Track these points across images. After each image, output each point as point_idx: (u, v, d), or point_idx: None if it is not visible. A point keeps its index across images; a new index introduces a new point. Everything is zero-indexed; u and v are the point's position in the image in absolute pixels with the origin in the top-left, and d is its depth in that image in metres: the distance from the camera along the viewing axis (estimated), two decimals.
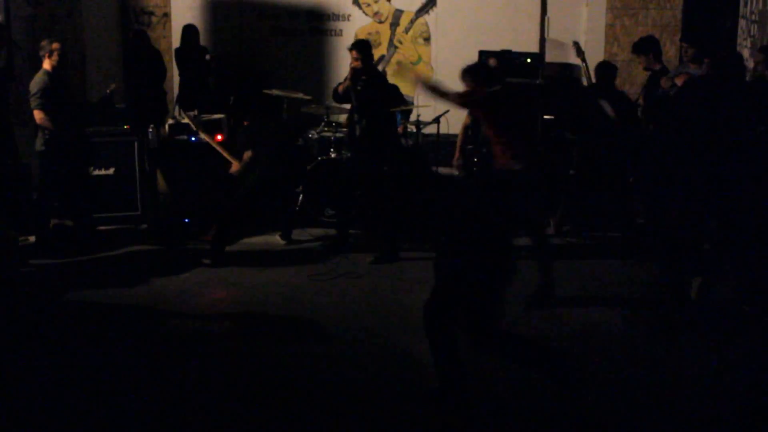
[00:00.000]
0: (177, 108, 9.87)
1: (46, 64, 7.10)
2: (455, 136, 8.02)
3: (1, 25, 7.89)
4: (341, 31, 10.90)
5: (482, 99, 6.00)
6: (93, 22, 9.85)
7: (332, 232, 7.67)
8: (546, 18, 10.33)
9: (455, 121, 7.91)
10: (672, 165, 5.92)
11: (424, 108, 8.88)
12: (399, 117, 7.90)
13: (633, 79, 9.73)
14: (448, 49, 10.61)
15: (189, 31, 9.87)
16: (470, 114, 7.63)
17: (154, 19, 10.75)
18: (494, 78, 6.19)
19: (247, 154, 7.17)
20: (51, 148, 7.15)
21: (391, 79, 7.80)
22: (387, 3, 10.84)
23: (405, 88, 8.38)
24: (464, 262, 4.26)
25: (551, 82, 8.89)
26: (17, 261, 6.63)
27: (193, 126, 7.54)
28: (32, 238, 7.36)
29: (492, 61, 7.51)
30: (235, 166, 7.23)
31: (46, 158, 7.23)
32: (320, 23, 10.89)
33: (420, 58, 10.91)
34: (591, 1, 10.04)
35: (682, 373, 4.92)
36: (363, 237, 7.63)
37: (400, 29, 10.88)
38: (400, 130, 7.94)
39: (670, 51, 9.59)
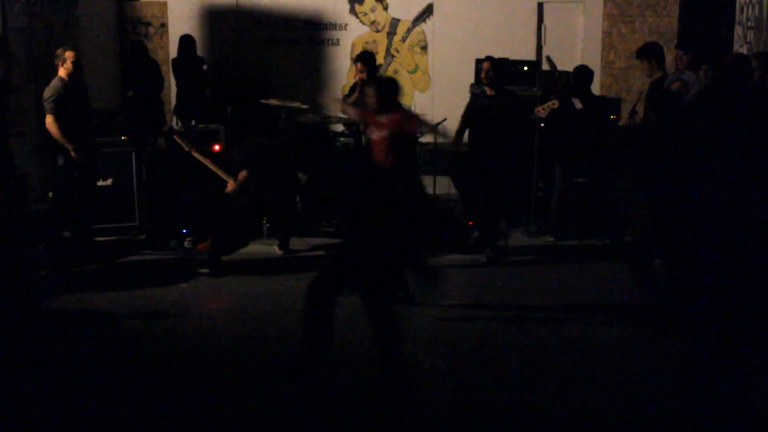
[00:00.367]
0: (174, 118, 9.90)
1: (61, 72, 7.19)
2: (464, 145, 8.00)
3: None
4: (338, 40, 10.95)
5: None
6: (90, 32, 9.87)
7: (330, 241, 7.69)
8: (543, 26, 10.38)
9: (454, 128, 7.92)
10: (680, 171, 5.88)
11: (422, 116, 8.90)
12: None
13: (630, 86, 9.78)
14: (445, 57, 10.68)
15: (186, 41, 9.88)
16: (464, 118, 7.65)
17: (151, 29, 10.80)
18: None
19: (242, 174, 7.06)
20: (69, 160, 7.20)
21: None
22: (384, 12, 10.89)
23: (402, 97, 8.40)
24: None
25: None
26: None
27: (184, 146, 7.46)
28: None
29: (485, 65, 7.53)
30: (231, 186, 7.16)
31: (66, 170, 7.29)
32: (317, 33, 10.93)
33: (417, 67, 10.95)
34: (587, 9, 10.10)
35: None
36: None
37: (397, 38, 10.92)
38: None
39: (667, 58, 9.61)
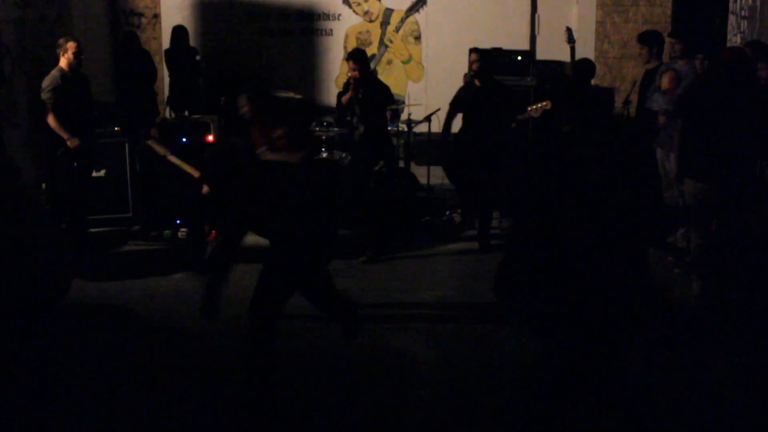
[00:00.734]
0: (167, 109, 9.91)
1: (62, 62, 7.23)
2: (452, 135, 8.02)
3: None
4: (332, 30, 10.96)
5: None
6: (83, 24, 9.86)
7: None
8: (536, 15, 10.41)
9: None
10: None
11: (415, 107, 8.95)
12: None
13: (624, 76, 9.82)
14: (439, 47, 10.68)
15: (179, 32, 9.88)
16: (452, 106, 7.68)
17: (144, 20, 10.80)
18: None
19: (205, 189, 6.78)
20: (67, 150, 7.21)
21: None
22: (377, 2, 10.89)
23: (395, 87, 8.44)
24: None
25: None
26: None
27: (159, 151, 7.38)
28: None
29: (472, 57, 7.55)
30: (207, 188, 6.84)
31: (64, 160, 7.31)
32: (310, 23, 10.94)
33: (411, 57, 10.96)
34: None
35: (684, 376, 4.92)
36: (354, 236, 7.67)
37: (390, 28, 10.93)
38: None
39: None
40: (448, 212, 8.21)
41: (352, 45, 10.89)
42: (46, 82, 7.16)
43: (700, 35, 8.84)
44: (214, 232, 7.25)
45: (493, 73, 7.66)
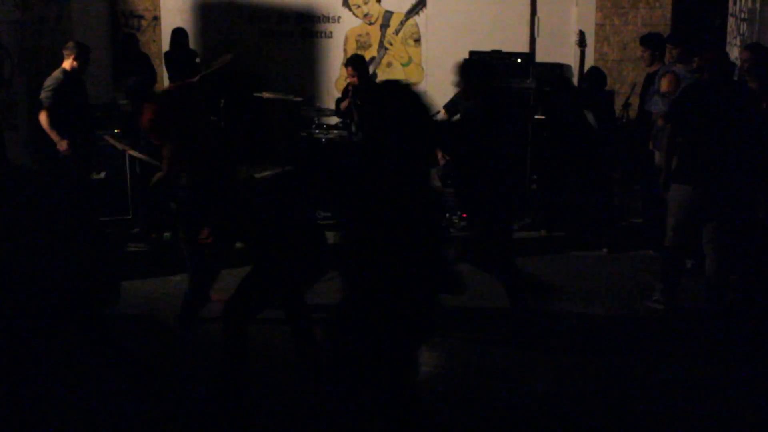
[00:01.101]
0: None
1: (66, 64, 7.29)
2: None
3: None
4: (331, 33, 10.97)
5: None
6: (82, 26, 9.91)
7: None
8: (536, 18, 10.44)
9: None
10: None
11: None
12: None
13: (623, 79, 9.86)
14: (439, 50, 10.64)
15: (179, 34, 9.90)
16: (445, 109, 7.77)
17: (143, 22, 10.83)
18: None
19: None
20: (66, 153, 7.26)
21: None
22: (377, 4, 10.93)
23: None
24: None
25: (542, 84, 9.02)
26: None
27: (117, 146, 7.39)
28: None
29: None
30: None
31: (66, 162, 7.34)
32: (310, 25, 10.95)
33: (411, 60, 10.99)
34: (581, 1, 10.15)
35: (680, 371, 5.01)
36: None
37: (390, 30, 10.96)
38: None
39: None
40: (447, 214, 8.26)
41: (352, 47, 10.92)
42: (49, 82, 7.24)
43: (699, 38, 8.89)
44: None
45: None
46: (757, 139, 5.84)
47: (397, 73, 10.95)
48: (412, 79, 11.03)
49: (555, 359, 5.15)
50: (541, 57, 10.16)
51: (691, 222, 5.77)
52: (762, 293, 6.08)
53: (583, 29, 8.62)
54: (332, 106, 10.01)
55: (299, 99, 9.13)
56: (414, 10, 10.84)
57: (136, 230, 8.03)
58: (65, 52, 7.39)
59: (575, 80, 8.78)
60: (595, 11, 10.10)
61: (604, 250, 7.61)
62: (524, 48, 10.21)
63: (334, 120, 9.15)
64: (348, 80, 7.50)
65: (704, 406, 4.58)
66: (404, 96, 3.63)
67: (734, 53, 8.62)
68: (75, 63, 7.32)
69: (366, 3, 10.91)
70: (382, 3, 10.88)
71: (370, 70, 10.63)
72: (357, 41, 11.01)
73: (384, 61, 10.96)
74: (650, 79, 7.78)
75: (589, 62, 8.38)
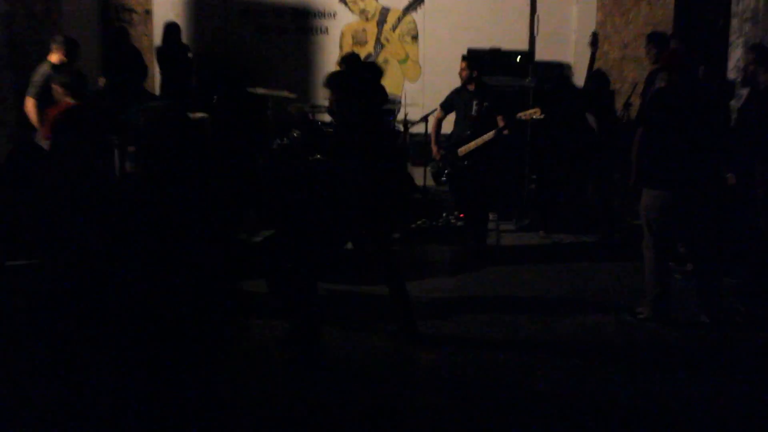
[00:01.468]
0: None
1: (53, 57, 7.25)
2: (445, 136, 8.06)
3: None
4: (327, 29, 10.92)
5: None
6: (72, 19, 9.82)
7: None
8: (536, 16, 10.40)
9: (445, 122, 7.96)
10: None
11: (412, 107, 8.93)
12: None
13: (624, 78, 9.82)
14: (436, 47, 10.63)
15: (171, 28, 9.81)
16: (441, 107, 7.77)
17: (135, 16, 10.74)
18: None
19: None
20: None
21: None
22: (374, 0, 10.87)
23: (392, 87, 8.43)
24: None
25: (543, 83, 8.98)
26: None
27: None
28: None
29: (462, 65, 7.60)
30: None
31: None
32: (306, 21, 10.89)
33: (407, 56, 10.93)
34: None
35: (680, 379, 4.94)
36: None
37: (387, 27, 10.90)
38: None
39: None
40: (444, 214, 8.20)
41: (348, 44, 10.87)
42: (35, 77, 7.20)
43: (702, 38, 8.86)
44: None
45: (483, 75, 7.70)
46: (725, 143, 5.88)
47: (393, 70, 10.89)
48: (409, 77, 10.98)
49: (552, 363, 5.12)
50: (540, 55, 10.13)
51: (666, 226, 5.71)
52: (763, 301, 6.04)
53: (583, 28, 8.60)
54: (326, 102, 9.90)
55: (293, 95, 9.06)
56: (411, 7, 10.80)
57: None
58: (53, 45, 7.34)
59: (579, 80, 8.72)
60: (596, 10, 10.07)
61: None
62: (524, 46, 10.18)
63: (328, 117, 9.08)
64: None
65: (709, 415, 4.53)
66: None
67: (738, 54, 8.60)
68: (64, 58, 7.28)
69: None
70: None
71: None
72: (353, 37, 10.95)
73: (380, 58, 10.91)
74: (652, 78, 7.74)
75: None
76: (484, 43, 9.63)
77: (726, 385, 4.83)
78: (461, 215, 7.99)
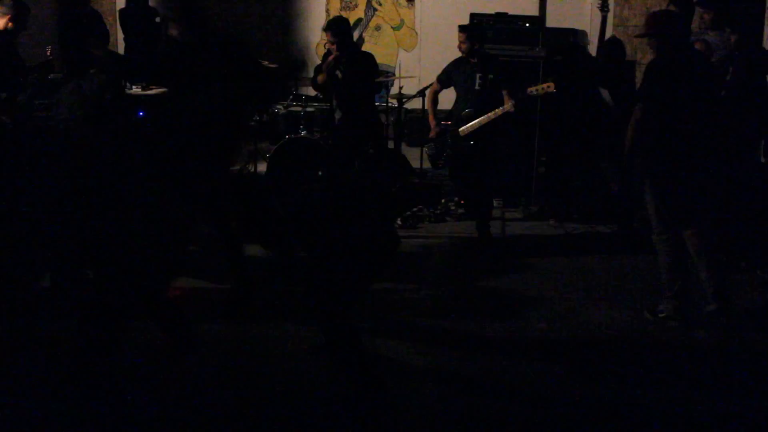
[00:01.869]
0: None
1: None
2: (443, 111, 7.86)
3: None
4: None
5: None
6: None
7: None
8: None
9: (443, 95, 7.75)
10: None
11: (407, 79, 8.76)
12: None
13: (645, 47, 9.54)
14: (435, 12, 10.64)
15: None
16: (438, 81, 7.67)
17: None
18: None
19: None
20: None
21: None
22: None
23: (385, 57, 8.27)
24: None
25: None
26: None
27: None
28: None
29: (460, 37, 7.42)
30: None
31: None
32: None
33: (402, 22, 10.84)
34: None
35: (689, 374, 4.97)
36: None
37: None
38: None
39: None
40: (443, 200, 8.03)
41: (336, 8, 10.81)
42: None
43: (732, 2, 8.59)
44: None
45: (484, 45, 7.55)
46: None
47: (387, 38, 10.78)
48: (404, 45, 10.82)
49: (564, 365, 5.12)
50: (552, 22, 9.92)
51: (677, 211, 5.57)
52: None
53: None
54: (311, 74, 9.79)
55: (274, 66, 8.84)
56: None
57: None
58: (0, 10, 7.09)
59: (593, 49, 8.51)
60: None
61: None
62: (533, 11, 10.07)
63: (313, 91, 8.92)
64: (327, 46, 7.28)
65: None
66: None
67: None
68: (10, 24, 7.03)
69: None
70: None
71: (357, 33, 10.40)
72: (342, 1, 10.82)
73: (372, 23, 10.89)
74: None
75: (608, 29, 8.09)
76: (488, 6, 9.39)
77: (754, 391, 4.81)
78: (461, 202, 7.85)
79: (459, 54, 7.52)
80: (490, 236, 7.29)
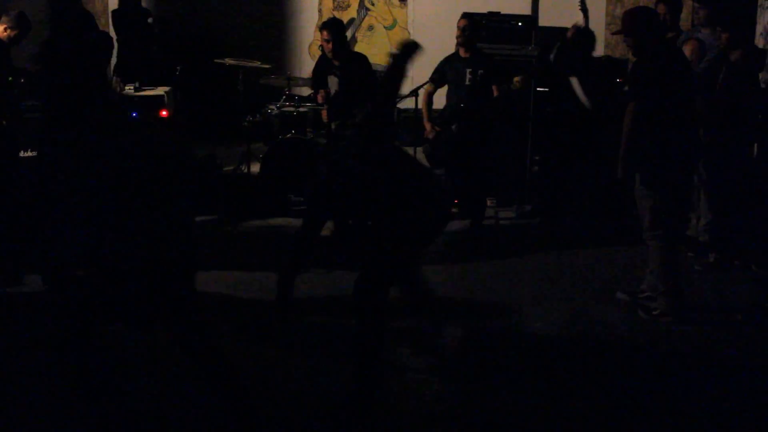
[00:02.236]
0: (115, 79, 9.67)
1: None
2: (437, 111, 7.89)
3: None
4: None
5: None
6: None
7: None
8: None
9: (436, 95, 7.79)
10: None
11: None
12: None
13: None
14: (427, 11, 10.61)
15: None
16: (431, 80, 7.70)
17: None
18: None
19: None
20: None
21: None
22: None
23: (377, 57, 8.30)
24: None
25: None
26: None
27: None
28: None
29: (461, 23, 7.48)
30: None
31: None
32: None
33: (395, 22, 10.84)
34: None
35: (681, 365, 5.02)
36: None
37: None
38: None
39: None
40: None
41: (328, 7, 10.81)
42: None
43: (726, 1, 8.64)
44: None
45: (477, 42, 7.65)
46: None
47: (379, 38, 10.78)
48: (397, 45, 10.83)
49: (557, 364, 5.13)
50: (545, 21, 9.92)
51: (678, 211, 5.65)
52: None
53: None
54: (304, 74, 9.84)
55: (267, 66, 8.88)
56: None
57: None
58: (3, 18, 7.17)
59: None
60: None
61: None
62: (526, 10, 10.07)
63: (307, 91, 8.94)
64: (321, 44, 7.30)
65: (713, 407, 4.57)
66: None
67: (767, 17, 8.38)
68: (10, 33, 7.12)
69: None
70: None
71: (349, 34, 10.42)
72: (334, 0, 10.83)
73: (365, 23, 10.86)
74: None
75: (600, 26, 8.12)
76: (481, 6, 9.43)
77: (748, 389, 4.81)
78: (455, 201, 7.87)
79: (450, 53, 7.60)
80: (483, 236, 7.34)
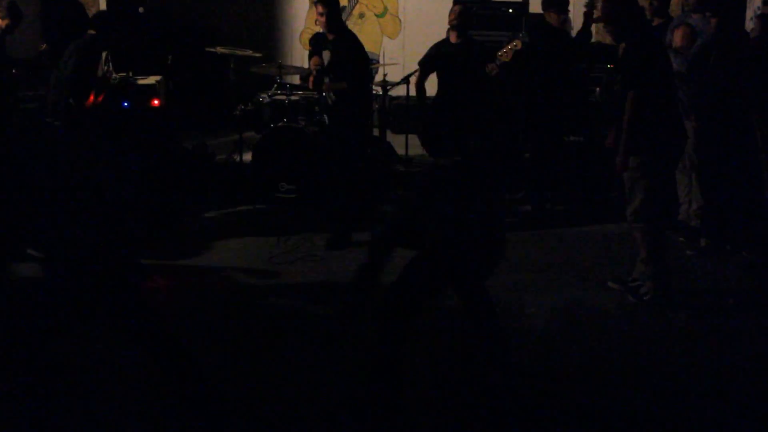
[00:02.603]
0: (107, 69, 9.64)
1: None
2: (430, 98, 7.89)
3: None
4: None
5: None
6: None
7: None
8: None
9: (428, 81, 7.80)
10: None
11: (392, 66, 8.78)
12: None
13: None
14: None
15: None
16: (420, 66, 7.68)
17: None
18: None
19: None
20: None
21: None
22: None
23: (369, 44, 8.30)
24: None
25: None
26: None
27: None
28: None
29: (455, 9, 7.48)
30: None
31: None
32: None
33: (386, 9, 10.84)
34: None
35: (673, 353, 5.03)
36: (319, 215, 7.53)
37: None
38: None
39: None
40: None
41: None
42: None
43: None
44: None
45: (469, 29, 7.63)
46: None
47: (370, 25, 10.77)
48: (387, 32, 10.86)
49: (547, 351, 5.15)
50: (536, 7, 9.84)
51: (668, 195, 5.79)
52: None
53: None
54: (296, 62, 9.84)
55: (258, 55, 8.87)
56: None
57: None
58: None
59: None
60: None
61: None
62: None
63: (298, 79, 8.96)
64: (316, 21, 7.15)
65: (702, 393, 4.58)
66: None
67: (757, 2, 8.42)
68: (2, 23, 7.14)
69: None
70: None
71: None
72: None
73: (356, 11, 10.84)
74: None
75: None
76: None
77: (741, 370, 4.84)
78: None
79: (441, 39, 7.61)
80: None
